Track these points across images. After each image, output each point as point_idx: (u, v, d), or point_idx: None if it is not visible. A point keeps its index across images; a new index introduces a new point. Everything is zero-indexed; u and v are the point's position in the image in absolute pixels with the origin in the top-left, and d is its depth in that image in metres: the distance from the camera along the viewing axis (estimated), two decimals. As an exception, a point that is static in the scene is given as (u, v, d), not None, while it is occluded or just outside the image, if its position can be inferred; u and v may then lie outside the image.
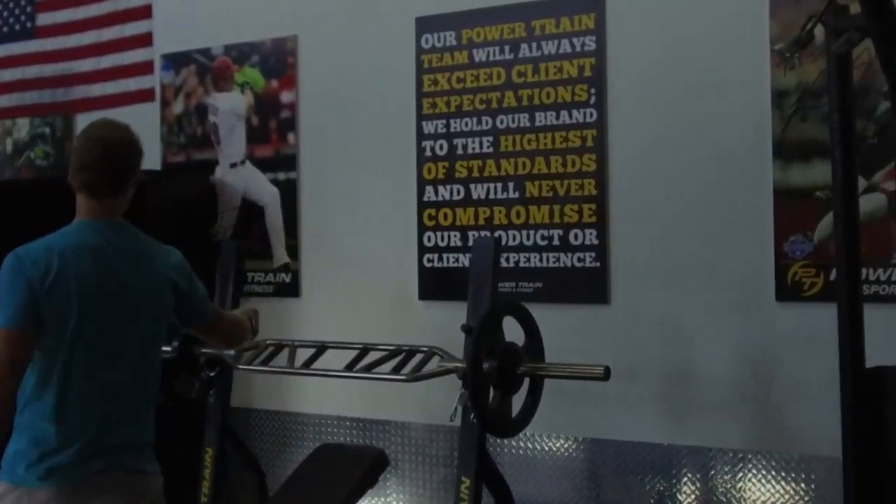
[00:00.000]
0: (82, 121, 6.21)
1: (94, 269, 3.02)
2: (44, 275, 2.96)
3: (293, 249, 5.41)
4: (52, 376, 2.98)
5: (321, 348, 4.31)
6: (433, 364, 3.95)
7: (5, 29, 6.54)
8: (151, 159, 5.79)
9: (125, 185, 3.17)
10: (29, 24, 6.43)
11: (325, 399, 5.23)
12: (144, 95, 5.96)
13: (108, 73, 6.10)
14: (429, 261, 4.97)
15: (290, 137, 5.41)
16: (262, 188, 5.51)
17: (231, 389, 4.65)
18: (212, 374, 4.49)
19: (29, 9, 6.40)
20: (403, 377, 3.92)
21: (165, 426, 5.43)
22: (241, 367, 4.32)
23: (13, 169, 6.56)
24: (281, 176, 5.45)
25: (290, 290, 5.42)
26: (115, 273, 3.05)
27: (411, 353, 4.07)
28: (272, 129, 5.47)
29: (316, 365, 4.26)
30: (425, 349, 4.04)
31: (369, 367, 4.05)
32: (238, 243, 4.77)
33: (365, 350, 4.20)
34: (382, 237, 5.14)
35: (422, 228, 4.98)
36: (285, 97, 5.43)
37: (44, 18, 6.36)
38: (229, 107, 5.64)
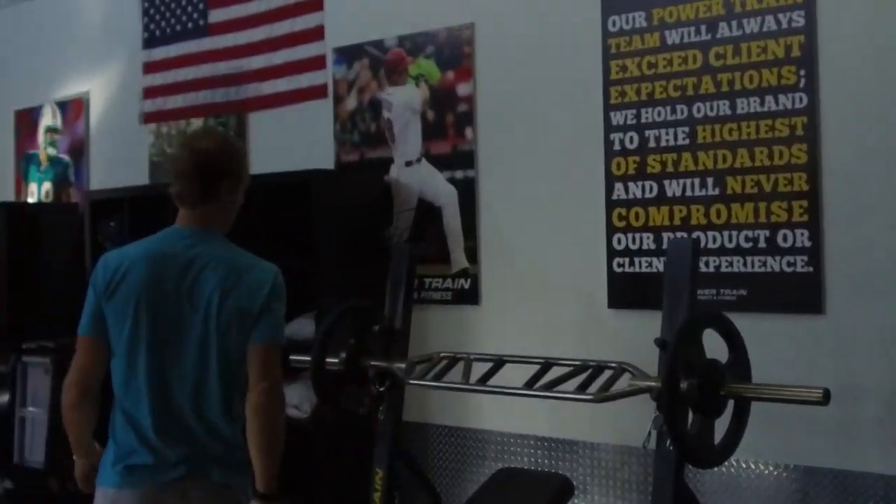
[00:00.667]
0: (255, 120, 6.01)
1: (156, 276, 3.14)
2: (109, 281, 3.16)
3: (472, 253, 5.04)
4: (124, 381, 3.18)
5: (499, 362, 3.91)
6: (623, 382, 3.49)
7: (178, 27, 6.38)
8: (324, 158, 5.56)
9: (215, 194, 3.19)
10: (202, 22, 6.25)
11: (506, 415, 4.84)
12: (317, 92, 5.68)
13: (279, 69, 5.85)
14: (619, 265, 4.51)
15: (468, 132, 5.03)
16: (439, 187, 5.15)
17: (402, 405, 4.29)
18: (381, 389, 4.14)
19: (202, 6, 6.21)
20: (590, 397, 3.48)
21: (331, 444, 5.23)
22: (411, 381, 3.96)
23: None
24: (458, 174, 5.08)
25: (469, 297, 5.04)
26: (175, 281, 3.13)
27: (599, 368, 3.63)
28: (449, 125, 5.11)
29: (493, 380, 3.86)
30: (614, 365, 3.59)
31: (552, 385, 3.62)
32: (411, 247, 4.40)
33: (547, 365, 3.78)
34: (568, 240, 4.71)
35: (611, 230, 4.53)
36: (462, 89, 5.06)
37: (216, 15, 6.16)
38: (404, 101, 5.30)
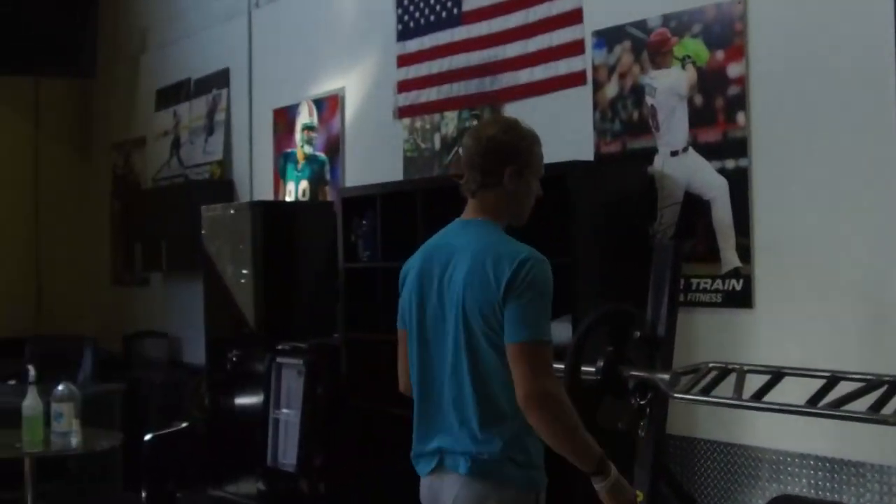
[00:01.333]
0: (510, 111, 5.68)
1: (426, 271, 3.23)
2: (405, 275, 3.35)
3: (745, 251, 4.54)
4: (412, 374, 3.30)
5: (777, 375, 3.43)
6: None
7: (432, 17, 6.14)
8: (583, 149, 5.18)
9: (493, 181, 3.17)
10: (455, 10, 5.99)
11: (783, 432, 4.32)
12: (575, 79, 5.31)
13: (535, 56, 5.51)
14: (917, 265, 3.94)
15: (740, 118, 4.54)
16: (708, 179, 4.68)
17: (666, 420, 3.85)
18: (642, 402, 3.72)
19: (456, -7, 5.96)
20: (884, 418, 2.98)
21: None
22: (676, 395, 3.52)
23: (441, 167, 6.14)
24: (729, 164, 4.59)
25: (741, 299, 4.55)
26: (439, 276, 3.17)
27: (895, 385, 3.11)
28: (718, 110, 4.63)
29: (770, 396, 3.38)
30: (915, 382, 3.07)
31: (839, 403, 3.13)
32: (676, 243, 3.96)
33: (833, 379, 3.28)
34: (856, 235, 4.16)
35: (908, 223, 3.97)
36: (733, 71, 4.57)
37: (470, 2, 5.88)
38: (668, 86, 4.86)
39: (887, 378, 3.16)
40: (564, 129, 5.35)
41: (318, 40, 7.23)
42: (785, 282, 4.42)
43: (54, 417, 5.10)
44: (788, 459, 4.37)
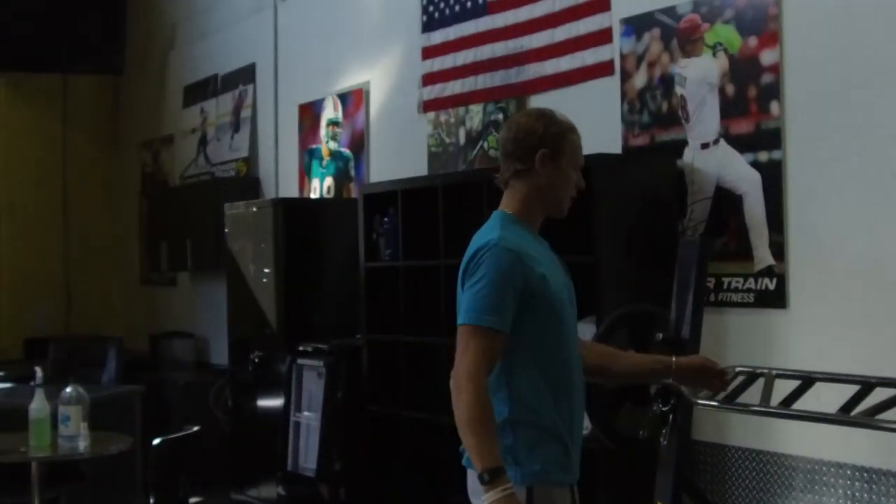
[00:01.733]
0: (536, 103, 5.47)
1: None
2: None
3: (779, 248, 4.30)
4: None
5: (807, 380, 3.20)
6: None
7: (457, 7, 5.93)
8: (611, 142, 4.96)
9: (515, 171, 3.04)
10: (481, 0, 5.77)
11: (819, 439, 4.07)
12: (602, 69, 5.09)
13: (561, 46, 5.29)
14: (961, 262, 3.69)
15: (774, 108, 4.30)
16: (740, 172, 4.45)
17: (690, 428, 3.62)
18: (665, 409, 3.49)
19: (481, -18, 5.75)
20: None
21: (608, 471, 4.63)
22: (700, 402, 3.30)
23: (466, 162, 5.93)
24: (762, 157, 4.36)
25: (775, 299, 4.31)
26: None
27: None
28: (751, 99, 4.39)
29: (800, 402, 3.15)
30: (956, 388, 2.83)
31: (873, 411, 2.89)
32: (702, 241, 3.73)
33: (868, 385, 3.04)
34: (894, 232, 3.92)
35: (951, 219, 3.71)
36: (766, 58, 4.33)
37: (496, -9, 5.68)
38: (699, 75, 4.62)
39: (927, 384, 2.92)
40: (591, 121, 5.05)
41: (342, 33, 7.04)
42: (821, 281, 4.18)
43: (61, 421, 4.92)
44: (824, 469, 4.13)
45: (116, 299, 10.18)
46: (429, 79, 6.18)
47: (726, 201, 4.50)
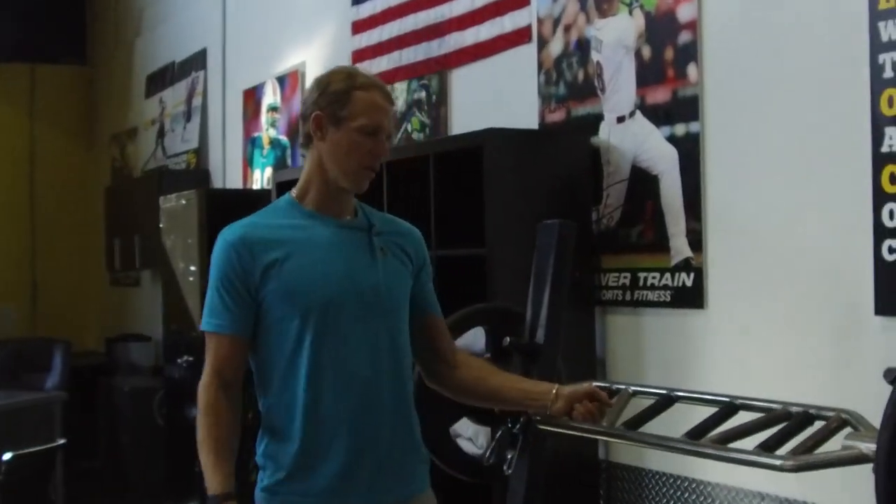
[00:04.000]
0: (456, 77, 4.86)
1: None
2: None
3: (697, 237, 3.65)
4: None
5: (666, 399, 2.56)
6: (836, 442, 2.08)
7: (381, -24, 5.34)
8: (528, 117, 4.34)
9: (302, 142, 2.62)
10: (403, -35, 5.17)
11: (741, 467, 3.40)
12: (520, 36, 4.46)
13: (481, 12, 4.67)
14: (892, 251, 3.01)
15: (692, 72, 3.65)
16: (657, 149, 3.80)
17: (542, 453, 2.95)
18: (514, 430, 2.85)
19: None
20: (778, 462, 2.09)
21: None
22: (537, 419, 2.66)
23: (411, 146, 5.31)
24: (679, 129, 3.70)
25: (692, 298, 3.65)
26: None
27: (806, 418, 2.21)
28: (667, 63, 3.74)
29: (657, 424, 2.51)
30: (830, 413, 2.17)
31: (726, 438, 2.24)
32: (560, 225, 3.04)
33: (731, 408, 2.39)
34: (821, 216, 3.24)
35: (879, 198, 3.03)
36: (684, 13, 3.68)
37: (419, -45, 5.06)
38: (615, 37, 3.98)
39: (796, 408, 2.26)
40: (511, 96, 4.52)
41: (281, 11, 6.46)
42: (741, 275, 3.51)
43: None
44: (744, 499, 3.47)
45: (83, 300, 9.68)
46: (357, 56, 5.58)
47: (642, 183, 3.85)
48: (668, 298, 3.74)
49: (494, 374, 2.72)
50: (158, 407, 7.18)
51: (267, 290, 2.44)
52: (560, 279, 2.93)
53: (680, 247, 3.70)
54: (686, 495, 3.68)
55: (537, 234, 3.08)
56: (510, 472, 2.85)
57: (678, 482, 3.71)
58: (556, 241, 2.94)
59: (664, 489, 3.77)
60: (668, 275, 3.74)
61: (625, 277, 3.92)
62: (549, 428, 2.63)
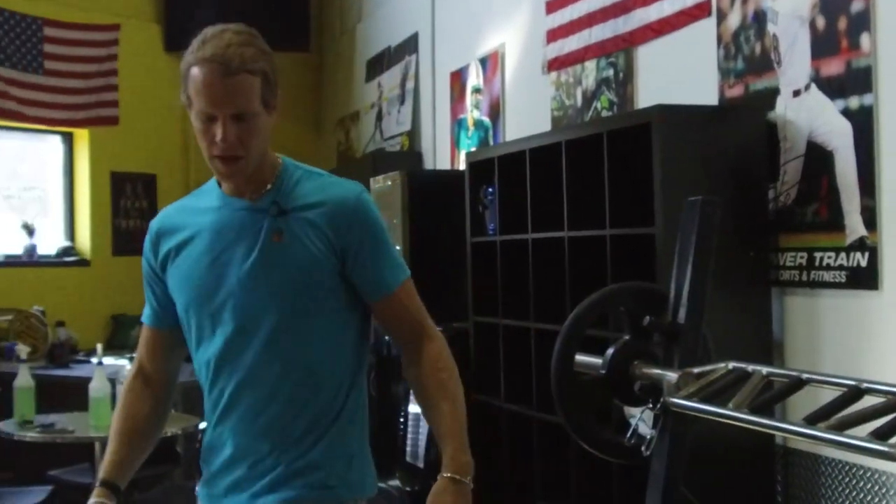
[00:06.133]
0: (641, 55, 4.80)
1: None
2: None
3: (871, 215, 3.49)
4: None
5: (796, 382, 2.46)
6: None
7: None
8: (709, 92, 4.27)
9: None
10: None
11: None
12: (700, 10, 4.36)
13: (664, -14, 4.59)
14: None
15: (865, 42, 3.49)
16: (832, 124, 3.65)
17: (685, 435, 2.89)
18: (654, 410, 2.82)
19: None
20: (884, 449, 2.00)
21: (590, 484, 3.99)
22: (673, 401, 2.62)
23: (583, 125, 5.29)
24: (853, 102, 3.55)
25: (866, 279, 3.50)
26: None
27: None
28: (841, 33, 3.59)
29: (791, 407, 2.43)
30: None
31: (843, 425, 2.16)
32: (703, 202, 2.96)
33: (856, 392, 2.29)
34: None
35: None
36: (857, -20, 3.53)
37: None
38: (790, 8, 3.84)
39: (919, 392, 2.15)
40: (692, 72, 4.43)
41: (485, -8, 6.52)
42: (917, 255, 3.35)
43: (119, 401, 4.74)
44: (919, 489, 3.31)
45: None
46: (551, 35, 5.58)
47: (818, 160, 3.71)
48: (843, 279, 3.59)
49: (432, 407, 2.51)
50: (373, 380, 7.39)
51: (168, 280, 2.42)
52: (703, 257, 2.86)
53: (854, 225, 3.55)
54: (862, 484, 3.54)
55: (683, 213, 3.02)
56: (648, 453, 2.82)
57: (855, 471, 3.58)
58: (699, 218, 2.87)
59: (841, 477, 3.64)
60: (843, 254, 3.59)
61: (801, 257, 3.78)
62: (682, 403, 2.58)
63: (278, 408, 2.38)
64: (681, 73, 4.52)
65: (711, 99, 4.24)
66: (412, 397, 5.82)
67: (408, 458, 5.80)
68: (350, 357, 2.48)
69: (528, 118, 5.85)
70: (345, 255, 2.38)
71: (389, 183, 6.46)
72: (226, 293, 2.36)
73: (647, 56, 4.76)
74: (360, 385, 2.53)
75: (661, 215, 3.78)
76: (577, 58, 5.32)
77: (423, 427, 5.64)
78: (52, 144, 8.80)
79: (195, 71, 2.26)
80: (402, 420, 5.82)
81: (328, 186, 2.42)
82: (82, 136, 8.81)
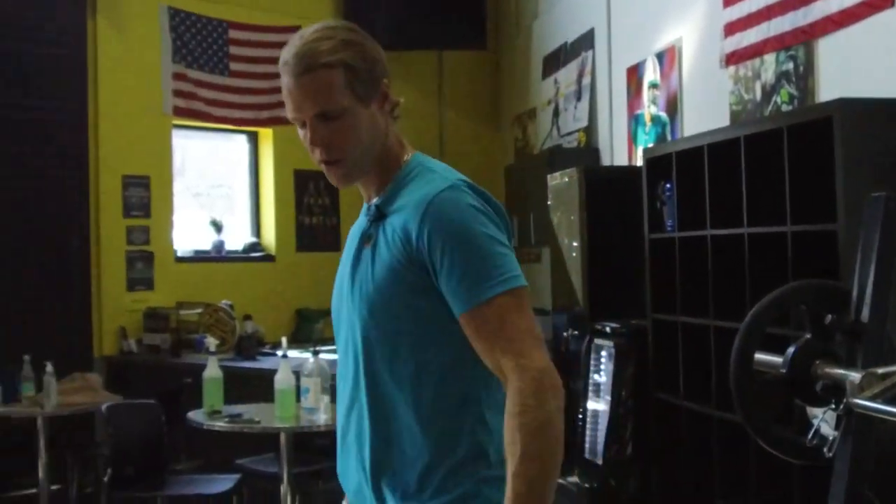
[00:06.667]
0: (822, 47, 4.72)
1: None
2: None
3: None
4: None
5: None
6: None
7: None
8: (893, 84, 4.18)
9: None
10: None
11: None
12: (882, 1, 4.27)
13: (845, -24, 4.51)
14: None
15: None
16: None
17: (870, 436, 2.86)
18: (837, 411, 2.79)
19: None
20: None
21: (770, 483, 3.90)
22: (857, 401, 2.60)
23: (762, 119, 5.23)
24: None
25: None
26: None
27: None
28: None
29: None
30: None
31: None
32: (887, 197, 2.92)
33: None
34: None
35: None
36: None
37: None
38: (980, -4, 3.73)
39: None
40: (875, 64, 4.34)
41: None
42: None
43: (302, 393, 4.93)
44: None
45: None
46: (728, 28, 5.52)
47: None
48: None
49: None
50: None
51: None
52: (887, 254, 2.82)
53: None
54: None
55: (864, 209, 2.98)
56: (830, 454, 2.80)
57: None
58: (883, 215, 2.83)
59: None
60: None
61: None
62: (867, 405, 2.56)
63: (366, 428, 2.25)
64: (863, 65, 4.43)
65: (895, 92, 4.14)
66: (589, 389, 5.87)
67: (586, 455, 5.83)
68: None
69: (706, 113, 5.81)
70: (431, 265, 2.09)
71: (566, 179, 6.50)
72: (338, 301, 2.30)
73: (828, 48, 4.68)
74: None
75: (843, 211, 3.73)
76: (755, 51, 5.26)
77: (602, 423, 5.66)
78: (239, 143, 9.14)
79: (282, 79, 2.17)
80: (580, 416, 5.84)
81: (423, 185, 2.16)
82: (266, 136, 9.12)
